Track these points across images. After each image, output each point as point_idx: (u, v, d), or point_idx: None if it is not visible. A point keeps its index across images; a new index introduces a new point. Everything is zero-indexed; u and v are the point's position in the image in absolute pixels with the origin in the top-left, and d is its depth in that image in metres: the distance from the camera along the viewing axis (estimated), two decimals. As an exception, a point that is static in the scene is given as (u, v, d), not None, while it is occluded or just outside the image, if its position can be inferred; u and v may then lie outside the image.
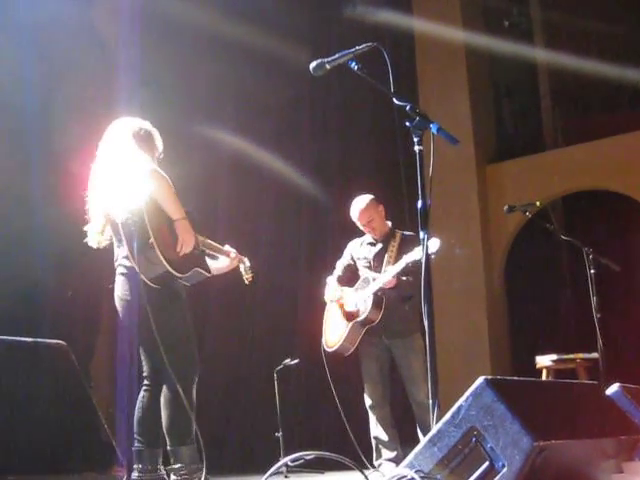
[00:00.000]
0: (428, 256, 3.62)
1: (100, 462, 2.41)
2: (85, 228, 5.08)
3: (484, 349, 10.31)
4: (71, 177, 7.62)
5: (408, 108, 3.64)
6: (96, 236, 5.06)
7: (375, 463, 6.49)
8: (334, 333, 6.66)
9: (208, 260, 5.33)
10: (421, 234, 3.59)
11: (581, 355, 8.19)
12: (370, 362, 6.61)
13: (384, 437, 6.50)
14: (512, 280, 10.79)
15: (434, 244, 6.05)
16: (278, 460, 5.84)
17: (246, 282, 5.89)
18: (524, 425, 2.78)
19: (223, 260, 5.62)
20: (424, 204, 3.60)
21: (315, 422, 9.36)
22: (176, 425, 4.65)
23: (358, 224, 6.75)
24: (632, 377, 5.49)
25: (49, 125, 7.56)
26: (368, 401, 6.59)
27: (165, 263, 4.69)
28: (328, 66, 4.00)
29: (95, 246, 5.08)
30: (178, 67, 8.15)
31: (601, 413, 3.68)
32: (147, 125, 5.23)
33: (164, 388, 4.74)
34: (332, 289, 6.75)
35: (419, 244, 6.44)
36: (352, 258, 6.85)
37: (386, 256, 6.57)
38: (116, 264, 5.03)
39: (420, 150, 3.62)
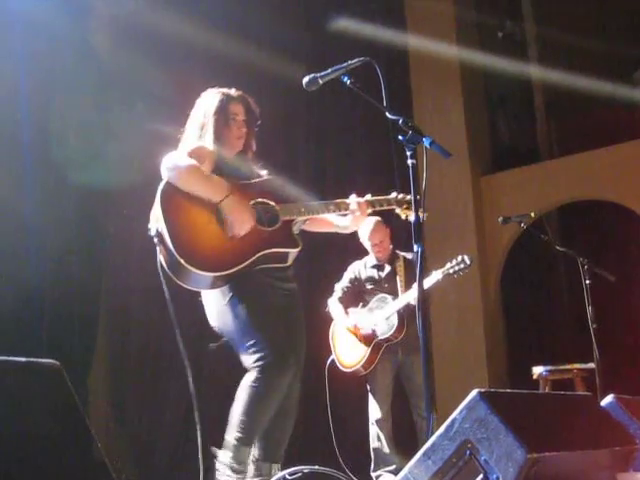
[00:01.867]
0: (422, 269, 3.62)
1: (93, 481, 2.42)
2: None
3: (481, 360, 10.32)
4: (68, 188, 7.69)
5: (401, 122, 3.66)
6: None
7: (373, 474, 6.57)
8: (351, 355, 6.77)
9: (335, 218, 4.70)
10: (415, 247, 3.60)
11: (577, 365, 8.19)
12: (384, 377, 6.77)
13: (386, 450, 6.65)
14: (508, 291, 10.81)
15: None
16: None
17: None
18: (518, 437, 2.78)
19: (347, 217, 4.68)
20: (417, 217, 3.61)
21: (309, 435, 9.35)
22: None
23: (367, 244, 6.95)
24: (628, 387, 5.51)
25: (44, 135, 7.57)
26: (376, 414, 6.72)
27: (197, 270, 3.98)
28: (321, 81, 4.02)
29: None
30: (171, 79, 8.17)
31: (596, 424, 3.69)
32: (210, 98, 4.60)
33: None
34: (341, 314, 6.88)
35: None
36: (356, 280, 6.99)
37: (397, 278, 6.72)
38: None
39: (413, 164, 3.63)
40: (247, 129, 4.56)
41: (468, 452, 2.86)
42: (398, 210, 4.74)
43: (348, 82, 3.96)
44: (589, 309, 6.45)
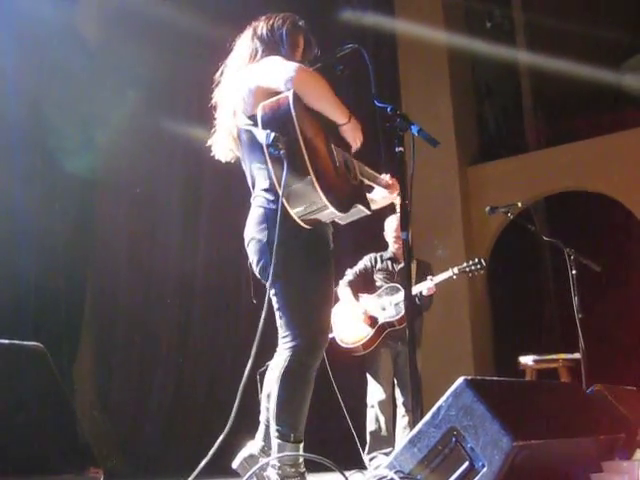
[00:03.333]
0: (410, 255, 3.63)
1: (77, 464, 2.39)
2: (209, 142, 4.13)
3: (467, 350, 10.35)
4: (55, 176, 7.67)
5: (389, 110, 3.65)
6: (225, 151, 4.08)
7: (367, 457, 6.61)
8: (353, 332, 6.91)
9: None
10: (402, 235, 3.59)
11: (563, 355, 8.22)
12: (386, 363, 6.88)
13: (384, 433, 6.72)
14: (495, 281, 10.83)
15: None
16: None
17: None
18: (504, 425, 2.79)
19: (379, 191, 4.42)
20: (405, 205, 3.60)
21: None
22: None
23: (391, 236, 7.16)
24: (614, 377, 5.52)
25: (32, 122, 7.54)
26: (380, 396, 6.79)
27: (325, 200, 3.54)
28: (310, 68, 3.99)
29: (223, 160, 4.12)
30: (163, 68, 8.15)
31: (581, 413, 3.70)
32: (277, 21, 4.08)
33: None
34: (350, 297, 7.02)
35: (432, 271, 6.97)
36: (370, 269, 7.17)
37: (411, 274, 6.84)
38: (253, 194, 3.91)
39: (400, 151, 3.62)
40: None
41: (454, 439, 2.87)
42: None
43: (337, 70, 3.94)
44: (575, 299, 6.46)
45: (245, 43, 4.03)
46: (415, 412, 3.39)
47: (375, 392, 6.83)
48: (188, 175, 8.79)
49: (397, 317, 6.75)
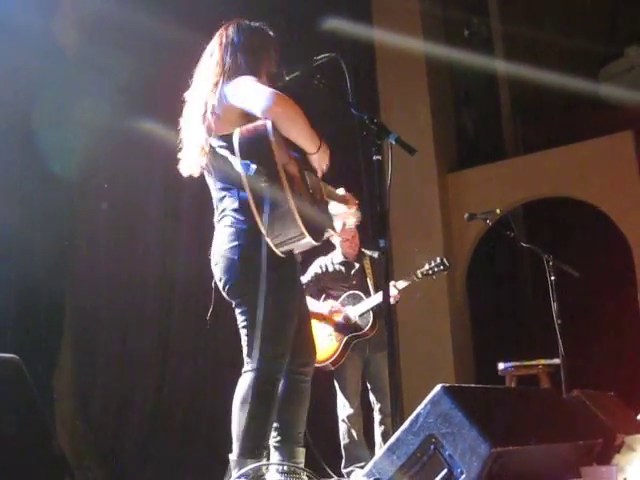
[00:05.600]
0: (388, 264, 3.63)
1: (51, 476, 2.39)
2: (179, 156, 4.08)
3: (447, 357, 10.37)
4: (45, 191, 7.66)
5: (366, 118, 3.66)
6: (196, 167, 3.99)
7: (345, 470, 6.57)
8: (319, 351, 6.68)
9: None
10: (380, 242, 3.60)
11: (542, 361, 8.25)
12: (353, 374, 6.74)
13: (358, 446, 6.62)
14: (474, 287, 10.87)
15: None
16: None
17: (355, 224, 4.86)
18: (482, 432, 2.80)
19: (338, 206, 4.35)
20: (383, 213, 3.61)
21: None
22: None
23: (338, 239, 6.87)
24: (593, 383, 5.55)
25: (15, 135, 7.53)
26: (348, 411, 6.67)
27: (305, 231, 3.61)
28: (287, 77, 4.00)
29: (194, 175, 4.03)
30: (142, 74, 8.15)
31: (560, 418, 3.72)
32: (246, 30, 4.05)
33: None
34: (313, 300, 6.70)
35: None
36: (322, 275, 6.91)
37: (367, 276, 6.75)
38: (218, 213, 3.93)
39: (378, 159, 3.63)
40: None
41: (432, 447, 2.88)
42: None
43: (314, 79, 3.94)
44: (554, 305, 6.49)
45: (214, 52, 4.03)
46: (395, 419, 3.40)
47: (343, 407, 6.70)
48: (168, 185, 8.77)
49: (365, 329, 6.60)
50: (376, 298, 6.57)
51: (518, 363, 8.44)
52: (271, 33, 4.15)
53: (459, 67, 11.51)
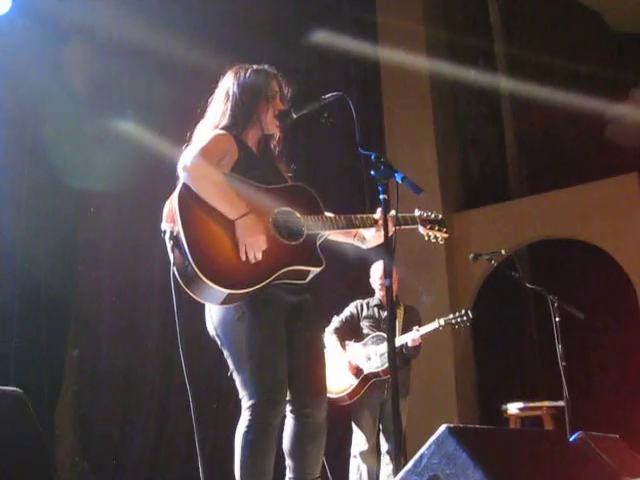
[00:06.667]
0: (391, 299, 3.62)
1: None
2: None
3: (451, 397, 10.32)
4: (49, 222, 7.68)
5: (373, 157, 3.66)
6: None
7: None
8: (337, 382, 6.89)
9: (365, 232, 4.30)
10: (385, 281, 3.59)
11: (547, 403, 8.22)
12: (370, 413, 6.85)
13: None
14: (479, 328, 10.82)
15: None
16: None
17: (440, 242, 4.66)
18: (486, 473, 2.77)
19: (369, 231, 4.28)
20: (388, 251, 3.61)
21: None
22: None
23: (377, 282, 7.16)
24: (597, 425, 5.51)
25: (23, 155, 7.60)
26: (362, 447, 6.77)
27: (214, 285, 3.60)
28: (295, 115, 4.02)
29: None
30: (145, 96, 8.20)
31: (565, 461, 3.69)
32: (246, 74, 4.12)
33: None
34: (337, 346, 7.00)
35: (420, 317, 7.06)
36: (357, 316, 7.15)
37: (397, 322, 6.85)
38: None
39: (385, 199, 3.63)
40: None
41: (436, 488, 2.85)
42: (421, 229, 4.48)
43: (322, 118, 3.96)
44: (559, 347, 6.46)
45: (214, 100, 4.15)
46: (397, 460, 3.38)
47: (358, 442, 6.80)
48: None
49: (382, 368, 6.72)
50: (399, 340, 6.66)
51: (522, 405, 8.41)
52: (274, 72, 4.17)
53: (465, 106, 11.55)
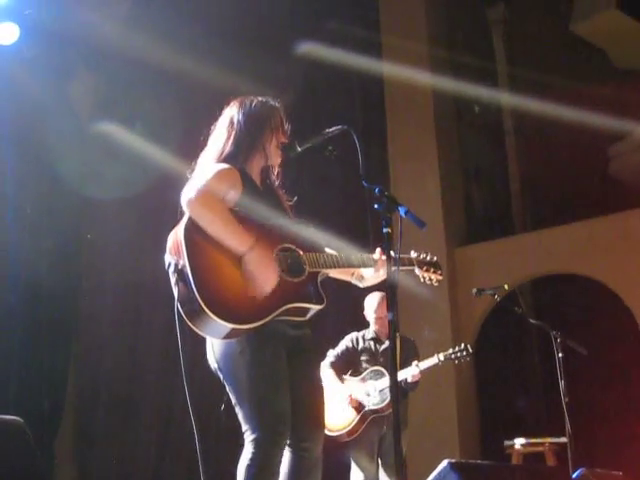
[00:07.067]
0: (395, 338, 3.61)
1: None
2: None
3: (453, 433, 10.27)
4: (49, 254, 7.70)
5: (377, 191, 3.66)
6: None
7: None
8: (336, 419, 6.80)
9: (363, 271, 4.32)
10: (388, 315, 3.58)
11: (549, 439, 8.18)
12: (369, 449, 6.77)
13: None
14: (481, 363, 10.79)
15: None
16: None
17: (434, 284, 4.65)
18: (488, 509, 2.77)
19: (368, 270, 4.31)
20: (391, 285, 3.60)
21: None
22: None
23: (372, 316, 7.05)
24: (600, 461, 5.49)
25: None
26: None
27: (219, 320, 3.59)
28: (299, 148, 4.04)
29: None
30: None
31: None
32: (249, 106, 4.13)
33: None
34: (334, 379, 6.91)
35: (417, 349, 6.96)
36: (352, 349, 7.04)
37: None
38: None
39: (388, 232, 3.63)
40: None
41: (438, 523, 2.84)
42: (417, 271, 4.51)
43: (327, 152, 3.98)
44: (561, 382, 6.44)
45: (216, 131, 4.14)
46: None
47: (357, 478, 6.74)
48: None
49: (382, 405, 6.67)
50: (399, 375, 6.59)
51: (525, 441, 8.37)
52: (277, 105, 4.19)
53: (469, 141, 11.59)
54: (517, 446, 8.41)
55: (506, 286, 7.21)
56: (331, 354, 7.06)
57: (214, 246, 3.74)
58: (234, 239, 3.75)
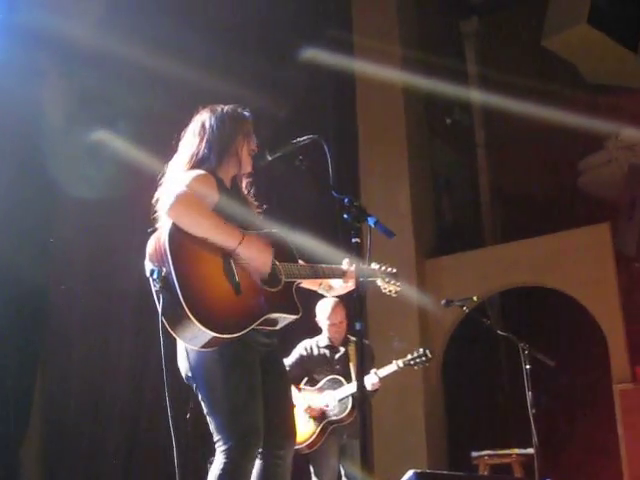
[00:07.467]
0: (363, 346, 3.62)
1: None
2: None
3: (421, 443, 10.28)
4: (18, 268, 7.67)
5: (346, 201, 3.66)
6: None
7: None
8: (300, 432, 6.47)
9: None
10: (357, 325, 3.58)
11: (516, 450, 8.22)
12: (331, 459, 6.62)
13: None
14: (449, 374, 10.83)
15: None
16: None
17: (393, 295, 4.70)
18: (453, 519, 2.78)
19: (337, 280, 4.37)
20: (359, 295, 3.61)
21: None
22: None
23: (325, 323, 6.85)
24: (566, 473, 5.52)
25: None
26: None
27: (204, 328, 3.54)
28: (269, 157, 4.04)
29: None
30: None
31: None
32: (218, 114, 4.11)
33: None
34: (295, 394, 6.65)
35: (373, 355, 6.80)
36: (306, 357, 6.86)
37: (350, 363, 6.71)
38: None
39: (357, 242, 3.63)
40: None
41: (403, 533, 2.85)
42: (379, 282, 4.59)
43: (297, 161, 3.97)
44: (529, 394, 6.46)
45: (186, 140, 4.11)
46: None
47: None
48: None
49: (343, 415, 6.52)
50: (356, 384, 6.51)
51: (492, 451, 8.40)
52: (246, 114, 4.18)
53: (440, 152, 11.64)
54: (484, 457, 8.44)
55: (475, 298, 7.20)
56: (284, 363, 6.93)
57: (200, 252, 3.71)
58: (224, 234, 3.75)
